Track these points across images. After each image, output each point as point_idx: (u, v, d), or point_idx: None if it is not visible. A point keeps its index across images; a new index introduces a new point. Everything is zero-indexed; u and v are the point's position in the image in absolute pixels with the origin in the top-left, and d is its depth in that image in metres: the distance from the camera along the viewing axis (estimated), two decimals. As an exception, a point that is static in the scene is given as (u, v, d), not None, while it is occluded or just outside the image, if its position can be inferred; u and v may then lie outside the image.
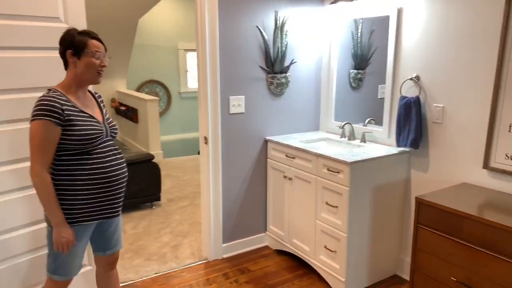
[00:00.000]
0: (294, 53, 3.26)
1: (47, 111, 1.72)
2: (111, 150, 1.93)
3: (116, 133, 2.01)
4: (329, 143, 3.21)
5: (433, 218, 2.18)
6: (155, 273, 2.99)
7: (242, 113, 3.12)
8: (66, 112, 1.77)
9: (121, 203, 2.02)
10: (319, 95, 3.50)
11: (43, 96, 1.77)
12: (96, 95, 2.06)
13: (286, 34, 3.16)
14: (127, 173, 2.01)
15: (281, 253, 3.28)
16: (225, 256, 3.24)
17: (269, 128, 3.27)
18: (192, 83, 7.96)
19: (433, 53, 2.59)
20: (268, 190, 3.33)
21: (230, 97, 3.04)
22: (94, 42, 1.85)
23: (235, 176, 3.18)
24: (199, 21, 2.89)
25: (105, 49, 1.91)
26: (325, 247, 2.79)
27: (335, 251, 2.72)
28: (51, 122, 1.73)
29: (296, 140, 3.14)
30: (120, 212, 2.04)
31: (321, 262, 2.85)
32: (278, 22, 3.11)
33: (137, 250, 3.35)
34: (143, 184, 4.18)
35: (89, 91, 2.02)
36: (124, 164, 2.00)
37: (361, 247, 2.72)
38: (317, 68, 3.44)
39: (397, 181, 2.80)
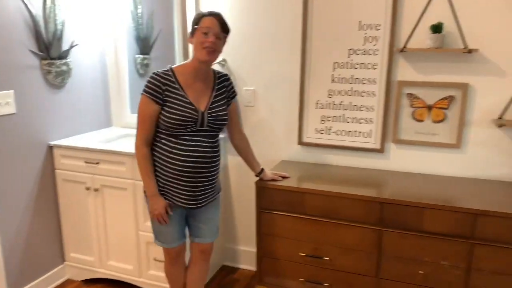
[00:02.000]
0: (75, 33, 2.62)
1: (148, 87, 1.81)
2: (199, 141, 1.86)
3: (216, 125, 1.89)
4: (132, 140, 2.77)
5: (274, 200, 2.17)
6: None
7: (13, 113, 2.30)
8: (166, 92, 1.81)
9: (200, 197, 1.91)
10: (107, 84, 2.97)
11: (153, 72, 1.83)
12: (221, 79, 1.98)
13: (60, 9, 2.48)
14: (212, 168, 1.91)
15: (92, 282, 2.66)
16: (14, 310, 2.38)
17: (53, 131, 2.55)
18: None
19: (239, 35, 2.55)
20: (60, 209, 2.62)
21: (-8, 93, 2.18)
22: (207, 19, 1.81)
23: (12, 201, 2.34)
24: None
25: (224, 27, 1.85)
26: (155, 259, 2.42)
27: (167, 260, 2.40)
28: (149, 98, 1.80)
29: (94, 141, 2.57)
30: (203, 205, 1.95)
31: (153, 278, 2.46)
32: (48, -8, 2.42)
33: None
34: None
35: (216, 74, 1.98)
36: (211, 159, 1.90)
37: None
38: (102, 53, 2.89)
39: (215, 170, 2.69)
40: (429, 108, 2.26)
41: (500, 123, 2.09)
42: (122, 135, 2.80)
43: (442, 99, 2.23)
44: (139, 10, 2.98)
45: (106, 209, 2.49)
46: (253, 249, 2.79)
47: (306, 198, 2.10)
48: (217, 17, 1.83)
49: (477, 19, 2.07)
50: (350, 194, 2.03)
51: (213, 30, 1.80)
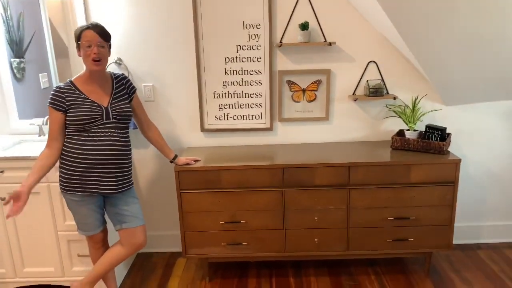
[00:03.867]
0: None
1: (52, 99, 2.07)
2: (110, 131, 2.11)
3: (121, 116, 2.15)
4: (33, 145, 2.70)
5: (192, 181, 2.47)
6: None
7: None
8: (68, 98, 2.07)
9: (115, 182, 2.14)
10: (-14, 91, 2.80)
11: (56, 86, 2.11)
12: (118, 79, 2.24)
13: None
14: (125, 155, 2.17)
15: (5, 294, 2.56)
16: None
17: None
18: None
19: (133, 35, 2.72)
20: (-43, 226, 2.44)
21: None
22: (86, 33, 2.04)
23: None
24: None
25: (104, 37, 2.07)
26: (79, 255, 2.49)
27: (91, 255, 2.49)
28: (53, 108, 2.07)
29: (-9, 150, 2.46)
30: (120, 190, 2.17)
31: (78, 274, 2.51)
32: None
33: None
34: None
35: (113, 76, 2.24)
36: (123, 147, 2.15)
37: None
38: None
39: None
40: (304, 91, 2.83)
41: (354, 98, 2.77)
42: (17, 141, 2.71)
43: (312, 83, 2.81)
44: (8, 13, 2.87)
45: (16, 217, 2.43)
46: (164, 232, 3.04)
47: (221, 174, 2.46)
48: (95, 28, 2.06)
49: (332, 19, 2.68)
50: (256, 165, 2.46)
51: (94, 41, 2.04)
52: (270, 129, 2.87)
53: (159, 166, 2.92)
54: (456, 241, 2.93)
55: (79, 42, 2.04)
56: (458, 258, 2.89)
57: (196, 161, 2.54)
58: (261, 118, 2.86)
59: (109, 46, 2.14)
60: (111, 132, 2.11)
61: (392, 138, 2.69)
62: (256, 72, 2.79)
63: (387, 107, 2.83)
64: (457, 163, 2.47)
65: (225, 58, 2.76)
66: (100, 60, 2.06)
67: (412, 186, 2.49)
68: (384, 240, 2.57)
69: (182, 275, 2.78)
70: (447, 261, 2.85)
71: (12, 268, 2.51)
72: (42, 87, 3.08)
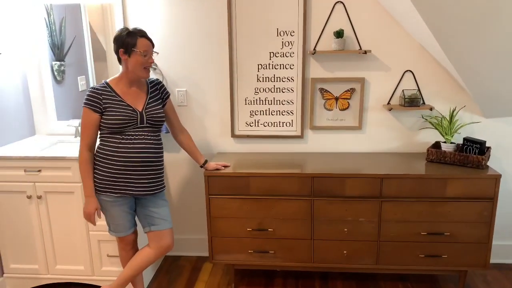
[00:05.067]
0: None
1: (87, 100, 2.10)
2: (143, 135, 2.15)
3: (155, 121, 2.19)
4: (69, 146, 2.78)
5: (221, 186, 2.47)
6: None
7: None
8: (104, 100, 2.10)
9: (148, 184, 2.17)
10: (27, 92, 2.91)
11: (91, 87, 2.13)
12: (153, 84, 2.29)
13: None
14: (157, 158, 2.20)
15: (37, 290, 2.64)
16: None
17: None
18: None
19: (170, 42, 2.77)
20: (-4, 221, 2.54)
21: None
22: (143, 41, 2.10)
23: None
24: None
25: (153, 45, 2.16)
26: (108, 255, 2.53)
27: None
28: (89, 109, 2.09)
29: (29, 149, 2.55)
30: (152, 192, 2.20)
31: (106, 274, 2.56)
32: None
33: None
34: None
35: (148, 80, 2.27)
36: (155, 149, 2.19)
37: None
38: (20, 61, 2.83)
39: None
40: (336, 99, 2.78)
41: (389, 107, 2.70)
42: (54, 142, 2.79)
43: (345, 91, 2.76)
44: (51, 17, 2.98)
45: (51, 215, 2.51)
46: (192, 236, 3.06)
47: (250, 181, 2.44)
48: (149, 38, 2.15)
49: (368, 27, 2.64)
50: (286, 173, 2.44)
51: (150, 51, 2.15)
52: (300, 137, 2.84)
53: (190, 170, 2.95)
54: (493, 260, 2.79)
55: (133, 49, 2.07)
56: (495, 278, 2.75)
57: (225, 166, 2.54)
58: (292, 126, 2.83)
59: None
60: (144, 135, 2.15)
61: (428, 150, 2.60)
62: (289, 79, 2.77)
63: (423, 118, 2.74)
64: (496, 178, 2.35)
65: (258, 64, 2.76)
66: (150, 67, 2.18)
67: (448, 200, 2.39)
68: (416, 256, 2.47)
69: (208, 280, 2.78)
70: (484, 281, 2.72)
71: (45, 265, 2.59)
72: (80, 90, 3.18)
